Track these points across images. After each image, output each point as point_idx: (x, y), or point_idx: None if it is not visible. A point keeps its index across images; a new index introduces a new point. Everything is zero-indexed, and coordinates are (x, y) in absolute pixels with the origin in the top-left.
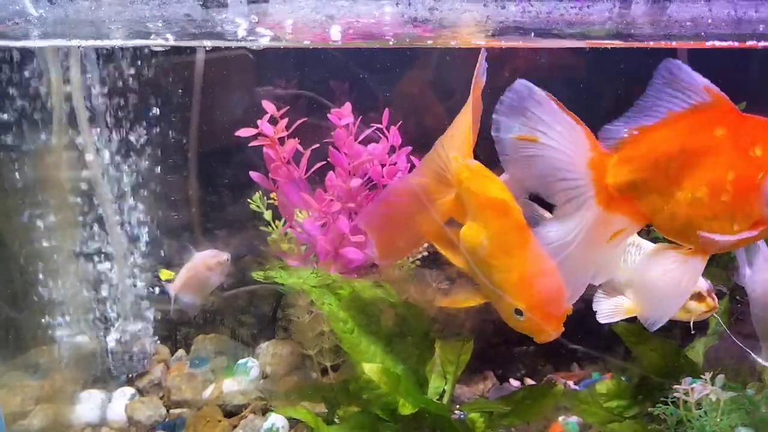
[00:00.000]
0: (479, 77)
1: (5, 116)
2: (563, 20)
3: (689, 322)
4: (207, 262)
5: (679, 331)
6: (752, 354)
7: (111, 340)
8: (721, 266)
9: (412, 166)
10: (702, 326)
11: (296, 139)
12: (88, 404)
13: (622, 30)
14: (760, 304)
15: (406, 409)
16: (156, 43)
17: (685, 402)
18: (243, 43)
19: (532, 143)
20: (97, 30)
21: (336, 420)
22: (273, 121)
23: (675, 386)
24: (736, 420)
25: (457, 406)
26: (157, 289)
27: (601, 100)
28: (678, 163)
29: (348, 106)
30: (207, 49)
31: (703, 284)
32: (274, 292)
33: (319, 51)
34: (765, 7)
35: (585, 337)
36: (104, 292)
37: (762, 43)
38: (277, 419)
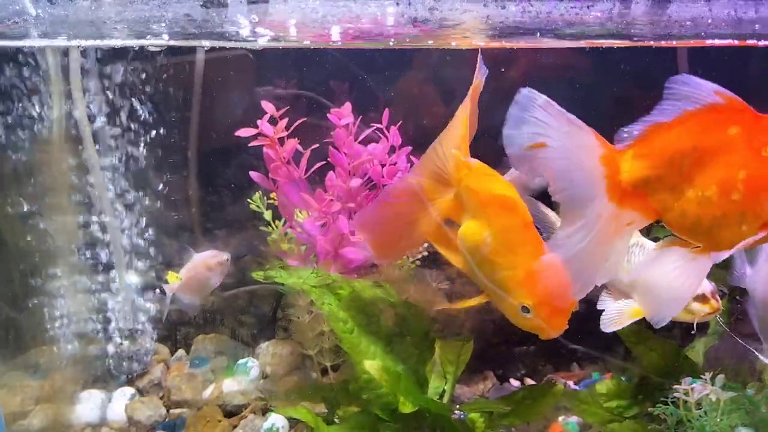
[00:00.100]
0: (479, 78)
1: (5, 116)
2: (563, 20)
3: (692, 323)
4: (207, 262)
5: (679, 331)
6: (755, 352)
7: (111, 340)
8: (721, 266)
9: (412, 166)
10: (702, 326)
11: (296, 139)
12: (88, 404)
13: (622, 30)
14: (761, 303)
15: (407, 407)
16: (156, 43)
17: (685, 402)
18: (243, 43)
19: (541, 149)
20: (97, 30)
21: (336, 420)
22: (273, 121)
23: (675, 386)
24: (736, 420)
25: (457, 406)
26: (157, 290)
27: (601, 100)
28: (690, 161)
29: (348, 106)
30: (206, 49)
31: (706, 286)
32: (274, 292)
33: (319, 51)
34: (765, 7)
35: (585, 337)
36: (104, 292)
37: (762, 42)
38: (277, 419)
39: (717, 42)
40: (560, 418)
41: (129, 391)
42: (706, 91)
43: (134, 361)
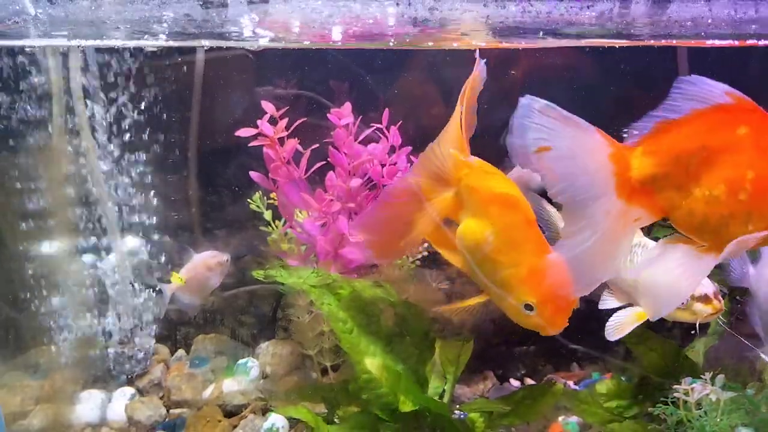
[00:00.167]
0: (476, 72)
1: (5, 115)
2: (563, 20)
3: (694, 324)
4: (207, 262)
5: (679, 331)
6: (758, 351)
7: (111, 340)
8: (717, 266)
9: (411, 166)
10: (702, 326)
11: (296, 139)
12: (88, 404)
13: (622, 30)
14: (765, 302)
15: (407, 406)
16: (156, 43)
17: (685, 402)
18: (243, 43)
19: (546, 153)
20: (97, 30)
21: (336, 420)
22: (273, 121)
23: (675, 386)
24: (736, 420)
25: (457, 406)
26: (157, 289)
27: (601, 100)
28: (699, 160)
29: (348, 106)
30: (206, 49)
31: (709, 286)
32: (274, 292)
33: (319, 51)
34: (765, 7)
35: (585, 337)
36: (104, 292)
37: (762, 42)
38: (277, 419)
39: (717, 42)
40: (560, 418)
41: (129, 391)
42: (717, 91)
43: (134, 361)
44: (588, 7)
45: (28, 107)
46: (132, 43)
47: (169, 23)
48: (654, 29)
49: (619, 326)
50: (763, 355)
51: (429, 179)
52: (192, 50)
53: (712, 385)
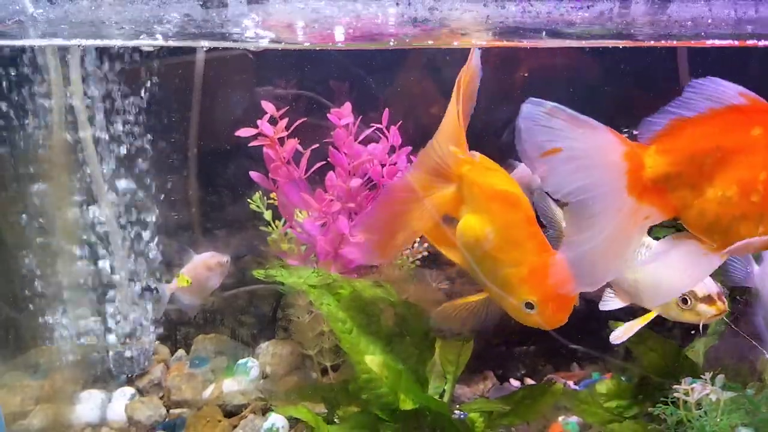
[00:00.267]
0: (471, 71)
1: (5, 115)
2: (563, 20)
3: (697, 324)
4: (207, 262)
5: (679, 331)
6: (762, 351)
7: (111, 340)
8: (722, 267)
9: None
10: (702, 326)
11: (296, 139)
12: (88, 404)
13: (622, 30)
14: None
15: (407, 404)
16: (156, 43)
17: (685, 402)
18: (243, 44)
19: (557, 154)
20: (97, 29)
21: (336, 420)
22: (273, 121)
23: (675, 386)
24: (736, 420)
25: (457, 406)
26: (155, 289)
27: (601, 100)
28: (712, 160)
29: (348, 106)
30: (206, 49)
31: (713, 287)
32: (274, 292)
33: (319, 51)
34: (765, 7)
35: (585, 337)
36: (104, 292)
37: (762, 42)
38: (277, 419)
39: (717, 42)
40: (560, 418)
41: (129, 391)
42: (731, 92)
43: (134, 361)
44: (588, 7)
45: (28, 107)
46: (132, 43)
47: (169, 23)
48: (654, 29)
49: (625, 330)
50: (767, 355)
51: (429, 175)
52: (192, 50)
53: (712, 385)
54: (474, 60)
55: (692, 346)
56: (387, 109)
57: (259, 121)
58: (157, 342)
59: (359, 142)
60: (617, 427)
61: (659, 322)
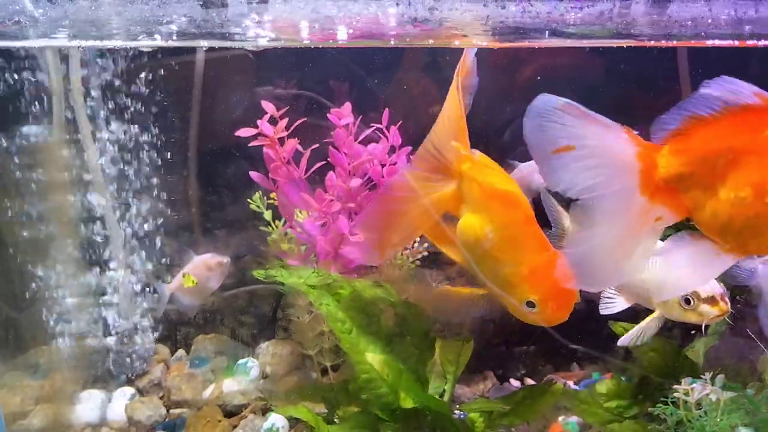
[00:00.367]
0: (466, 69)
1: (5, 115)
2: (563, 20)
3: (699, 325)
4: (207, 263)
5: (679, 331)
6: (764, 349)
7: (111, 340)
8: None
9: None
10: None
11: (296, 139)
12: (88, 404)
13: (622, 30)
14: None
15: (408, 402)
16: (156, 43)
17: (685, 402)
18: (243, 43)
19: (569, 152)
20: (97, 30)
21: (336, 420)
22: (273, 121)
23: (675, 386)
24: (736, 420)
25: (457, 406)
26: (153, 290)
27: (601, 100)
28: (726, 161)
29: (348, 106)
30: (206, 49)
31: (717, 288)
32: (274, 292)
33: (319, 51)
34: (765, 7)
35: (585, 337)
36: (104, 292)
37: (762, 42)
38: (277, 419)
39: (717, 42)
40: (560, 418)
41: (129, 391)
42: (746, 92)
43: (134, 361)
44: (588, 7)
45: (28, 107)
46: (132, 44)
47: (169, 23)
48: (654, 29)
49: (632, 336)
50: None
51: (429, 172)
52: (192, 50)
53: (712, 385)
54: (469, 58)
55: (692, 346)
56: (387, 109)
57: (259, 121)
58: (155, 342)
59: (359, 142)
60: (617, 427)
61: None
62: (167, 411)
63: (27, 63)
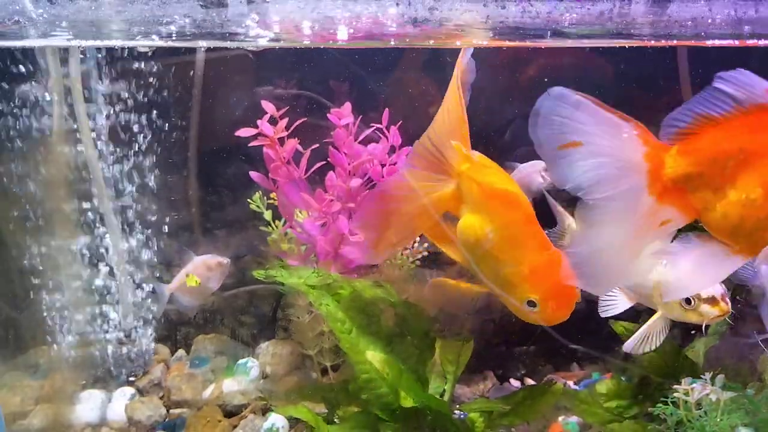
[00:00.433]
0: (462, 65)
1: (4, 115)
2: (563, 20)
3: (700, 325)
4: (207, 263)
5: (679, 331)
6: (765, 349)
7: (111, 340)
8: None
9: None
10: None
11: (296, 139)
12: (88, 404)
13: (622, 30)
14: None
15: (408, 401)
16: (156, 43)
17: (685, 402)
18: (243, 43)
19: (576, 148)
20: (97, 30)
21: (336, 420)
22: (273, 121)
23: (675, 386)
24: (736, 420)
25: (457, 406)
26: (152, 290)
27: (601, 100)
28: (736, 162)
29: (348, 106)
30: (205, 49)
31: (717, 288)
32: (274, 292)
33: (319, 51)
34: (765, 7)
35: (585, 337)
36: (104, 292)
37: (762, 42)
38: (277, 419)
39: (717, 42)
40: (560, 418)
41: (129, 391)
42: (759, 90)
43: (134, 361)
44: (588, 7)
45: (28, 107)
46: (132, 44)
47: (169, 23)
48: (654, 29)
49: (638, 340)
50: None
51: (428, 172)
52: (192, 50)
53: (712, 385)
54: (465, 57)
55: (692, 346)
56: (387, 109)
57: (259, 121)
58: (156, 342)
59: (359, 142)
60: (617, 427)
61: None
62: (167, 411)
63: (26, 62)
